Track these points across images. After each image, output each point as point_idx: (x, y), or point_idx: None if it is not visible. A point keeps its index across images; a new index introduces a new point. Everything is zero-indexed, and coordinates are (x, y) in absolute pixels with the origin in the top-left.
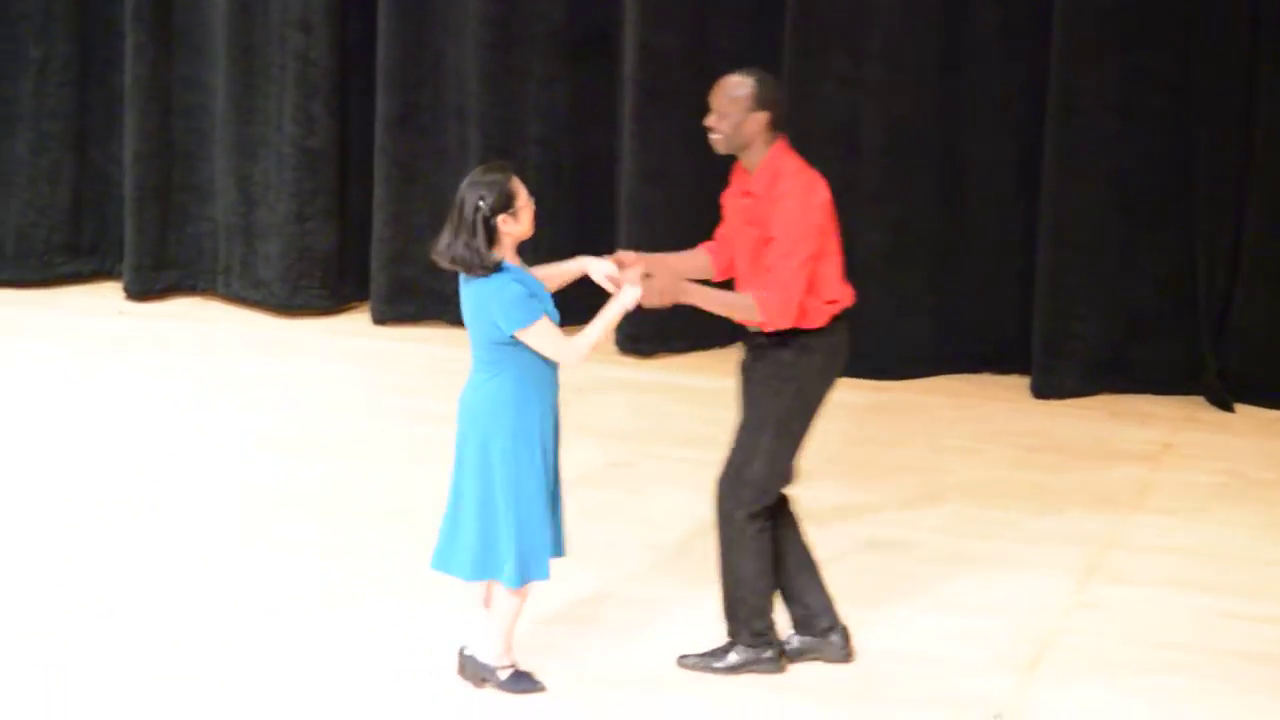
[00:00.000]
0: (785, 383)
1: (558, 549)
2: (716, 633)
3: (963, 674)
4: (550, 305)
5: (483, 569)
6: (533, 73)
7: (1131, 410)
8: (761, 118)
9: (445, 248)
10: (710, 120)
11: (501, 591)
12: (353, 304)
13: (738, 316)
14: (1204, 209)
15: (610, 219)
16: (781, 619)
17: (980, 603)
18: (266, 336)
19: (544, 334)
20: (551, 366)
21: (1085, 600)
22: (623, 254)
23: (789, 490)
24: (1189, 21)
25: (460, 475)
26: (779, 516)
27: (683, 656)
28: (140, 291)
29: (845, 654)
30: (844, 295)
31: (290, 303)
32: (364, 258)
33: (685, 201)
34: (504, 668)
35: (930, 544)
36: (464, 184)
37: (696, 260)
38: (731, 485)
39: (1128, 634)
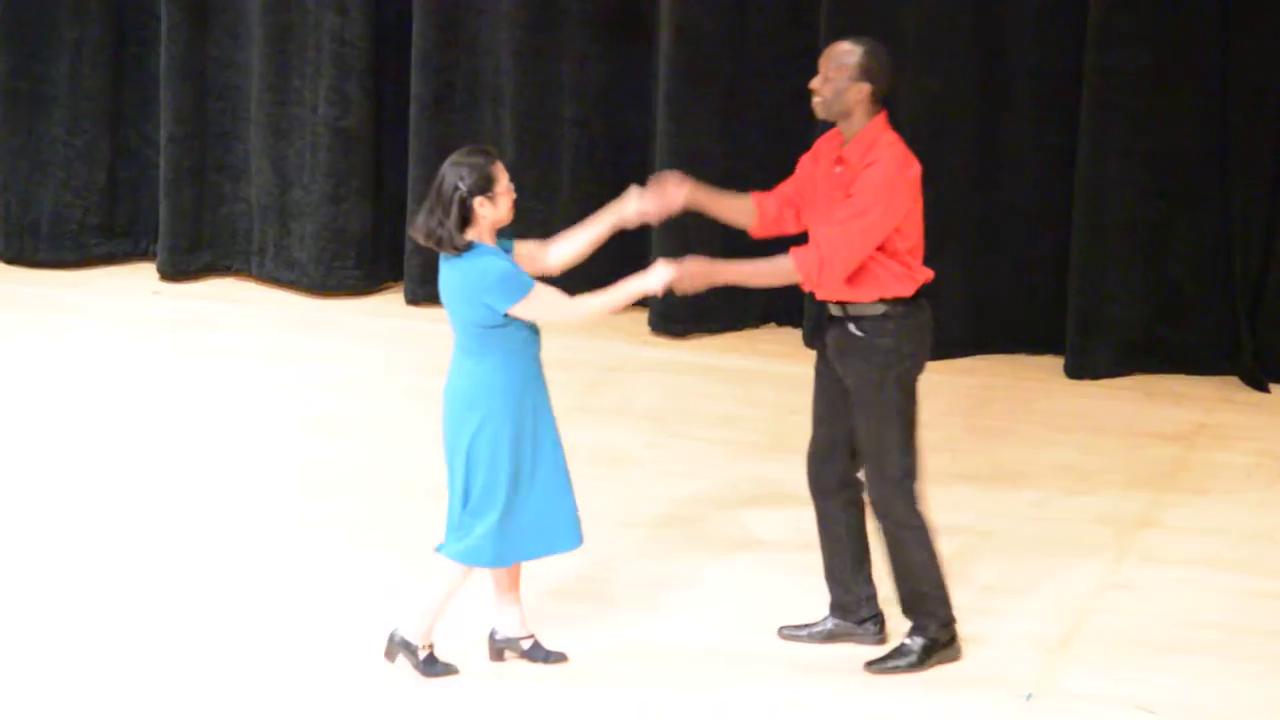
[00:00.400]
0: (885, 372)
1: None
2: (757, 605)
3: (994, 653)
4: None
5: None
6: (567, 53)
7: (1165, 390)
8: (865, 88)
9: (421, 224)
10: (814, 83)
11: (448, 566)
12: (387, 285)
13: (778, 281)
14: (1239, 189)
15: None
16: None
17: (1012, 582)
18: (300, 317)
19: (545, 297)
20: (534, 342)
21: (1117, 580)
22: (667, 175)
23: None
24: (1224, 1)
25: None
26: (856, 501)
27: (868, 663)
28: (175, 272)
29: (878, 641)
30: (926, 275)
31: (324, 283)
32: (398, 239)
33: (720, 183)
34: (424, 648)
35: (962, 524)
36: (447, 163)
37: (738, 204)
38: (881, 490)
39: (1160, 614)
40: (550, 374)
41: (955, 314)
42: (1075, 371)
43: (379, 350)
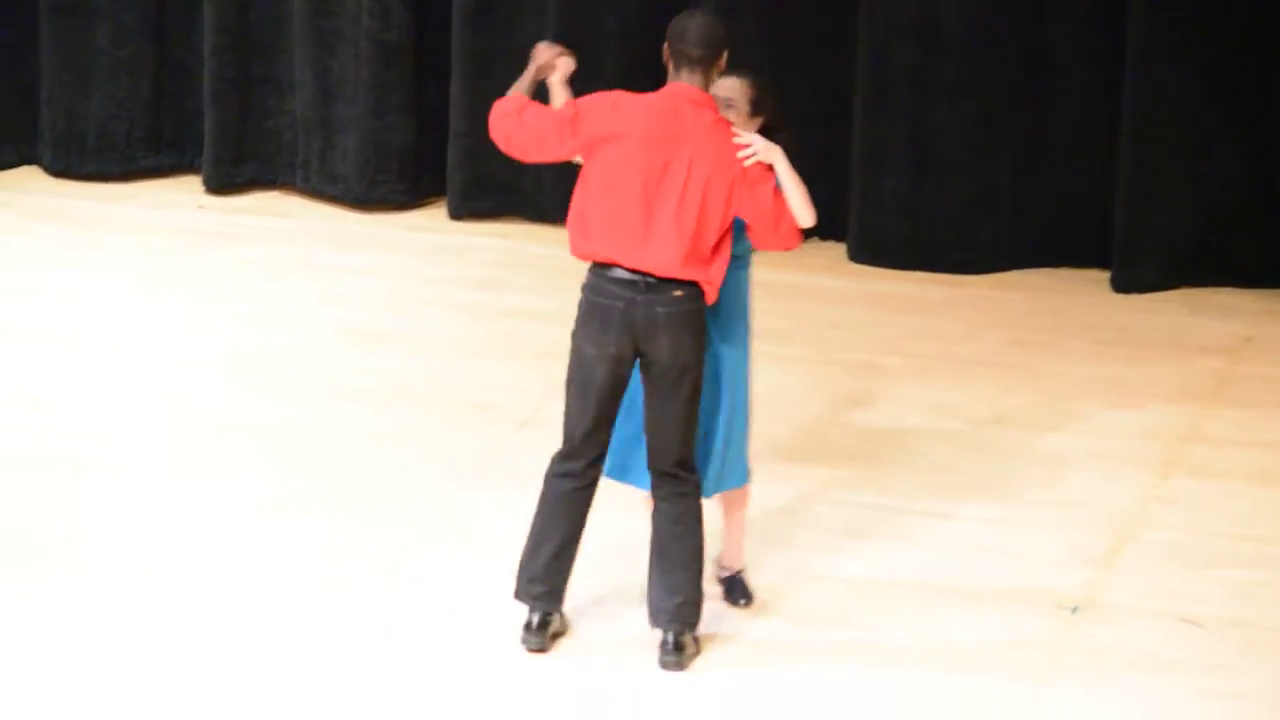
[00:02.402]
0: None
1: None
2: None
3: (1039, 568)
4: None
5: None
6: None
7: (1212, 303)
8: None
9: None
10: None
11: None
12: (430, 199)
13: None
14: None
15: None
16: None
17: (1057, 497)
18: (343, 230)
19: None
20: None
21: (1163, 494)
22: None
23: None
24: None
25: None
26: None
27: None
28: (220, 185)
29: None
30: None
31: (367, 197)
32: (441, 153)
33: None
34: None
35: (1007, 438)
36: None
37: None
38: None
39: (1206, 528)
40: None
41: (999, 227)
42: (1121, 285)
43: (423, 264)
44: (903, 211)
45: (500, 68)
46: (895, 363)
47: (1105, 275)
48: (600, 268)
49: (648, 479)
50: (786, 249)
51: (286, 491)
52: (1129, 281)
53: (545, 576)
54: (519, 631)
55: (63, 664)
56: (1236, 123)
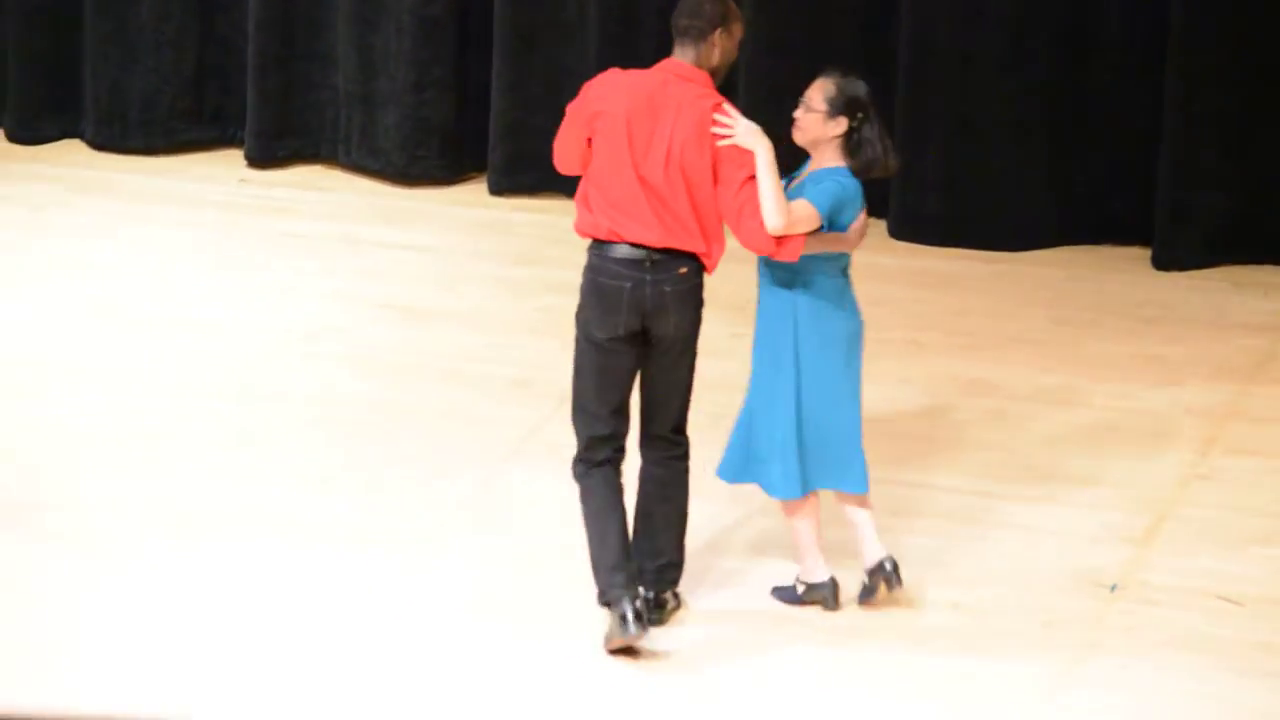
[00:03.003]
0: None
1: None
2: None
3: (1079, 546)
4: None
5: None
6: None
7: (1254, 281)
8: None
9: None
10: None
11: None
12: (470, 174)
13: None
14: None
15: (731, 89)
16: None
17: (1096, 474)
18: (384, 205)
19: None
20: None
21: (1203, 472)
22: None
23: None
24: None
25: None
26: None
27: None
28: (262, 159)
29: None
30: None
31: (408, 172)
32: (482, 128)
33: (807, 73)
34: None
35: (1046, 416)
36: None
37: None
38: None
39: (1245, 506)
40: None
41: (1041, 203)
42: (1163, 262)
43: (463, 239)
44: (944, 188)
45: (542, 42)
46: (935, 339)
47: (1146, 253)
48: (601, 246)
49: (845, 478)
50: (755, 250)
51: (327, 464)
52: (1170, 259)
53: (624, 563)
54: (610, 631)
55: (112, 631)
56: (1278, 100)
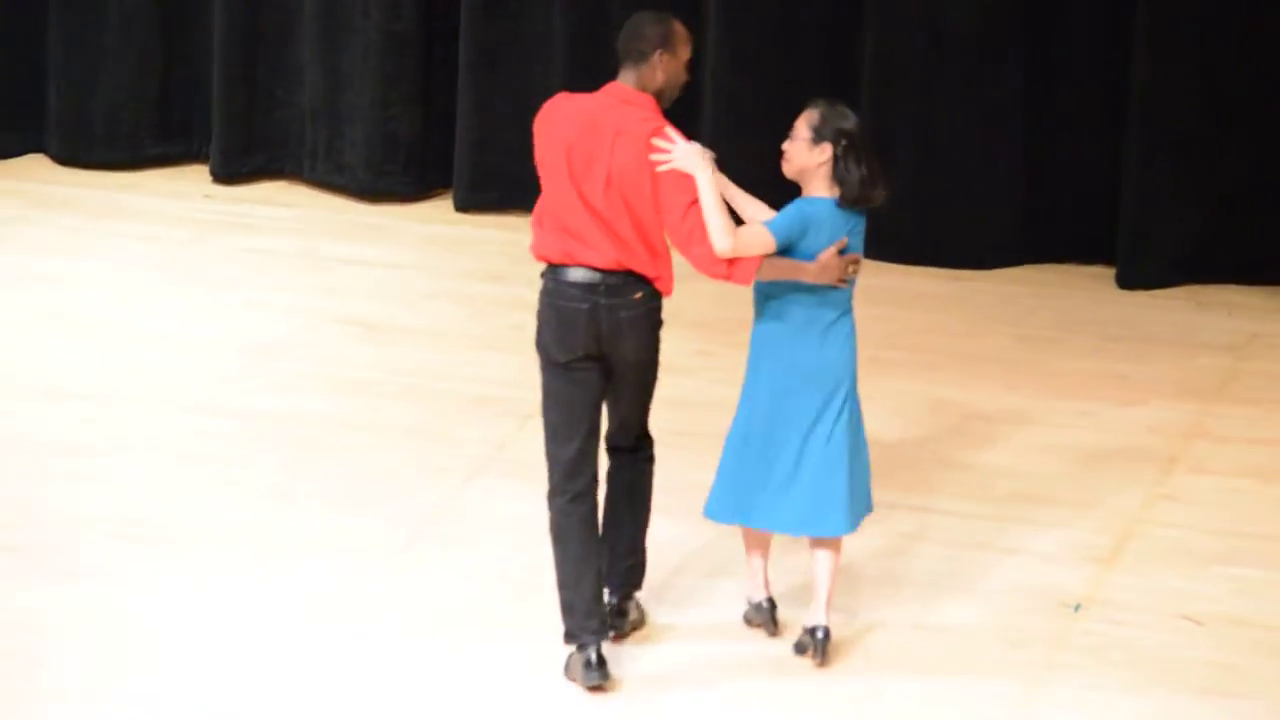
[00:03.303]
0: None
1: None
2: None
3: (1042, 565)
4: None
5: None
6: None
7: (1218, 300)
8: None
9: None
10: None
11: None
12: (436, 191)
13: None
14: None
15: (696, 109)
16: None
17: (1060, 493)
18: (350, 221)
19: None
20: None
21: (1166, 491)
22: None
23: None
24: None
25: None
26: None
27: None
28: (227, 175)
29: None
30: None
31: (373, 188)
32: (448, 145)
33: (774, 91)
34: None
35: (1010, 434)
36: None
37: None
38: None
39: (1209, 525)
40: None
41: (1005, 222)
42: (1126, 281)
43: (428, 255)
44: (909, 207)
45: (508, 60)
46: (900, 358)
47: (1111, 271)
48: (556, 270)
49: (774, 518)
50: (707, 275)
51: (290, 481)
52: (1134, 277)
53: (598, 609)
54: (573, 671)
55: (74, 649)
56: (1242, 119)
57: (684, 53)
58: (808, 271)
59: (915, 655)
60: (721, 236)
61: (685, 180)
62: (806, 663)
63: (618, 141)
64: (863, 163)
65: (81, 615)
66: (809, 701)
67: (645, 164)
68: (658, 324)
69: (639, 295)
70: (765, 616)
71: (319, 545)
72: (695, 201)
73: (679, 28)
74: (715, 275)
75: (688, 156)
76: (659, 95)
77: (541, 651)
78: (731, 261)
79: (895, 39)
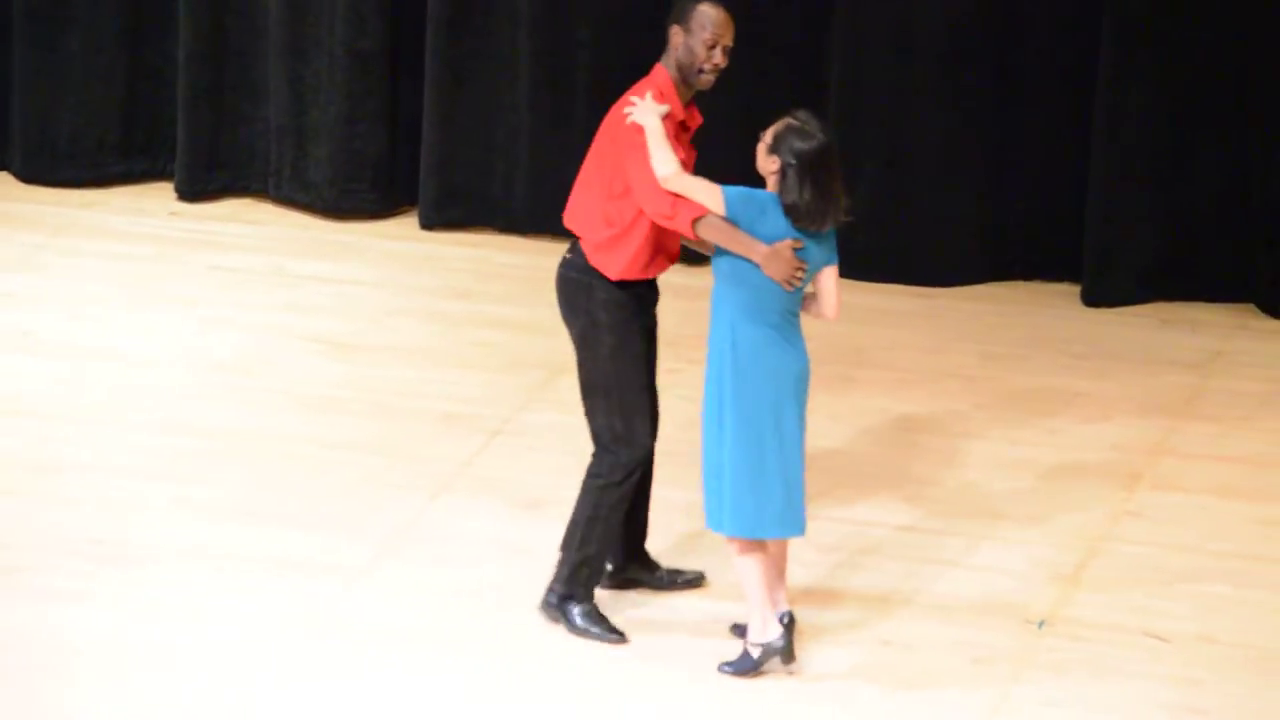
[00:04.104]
0: None
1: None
2: None
3: (1007, 581)
4: None
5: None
6: None
7: (1182, 318)
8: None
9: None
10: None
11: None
12: (402, 208)
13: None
14: (1259, 114)
15: None
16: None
17: (1025, 510)
18: (315, 239)
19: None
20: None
21: (1131, 508)
22: None
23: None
24: None
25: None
26: None
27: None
28: (192, 192)
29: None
30: None
31: (339, 205)
32: (414, 162)
33: (737, 107)
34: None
35: (975, 450)
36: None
37: None
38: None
39: (1173, 542)
40: None
41: (970, 239)
42: (1092, 299)
43: (394, 273)
44: (875, 223)
45: (474, 76)
46: (866, 374)
47: (1076, 289)
48: None
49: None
50: (651, 215)
51: (255, 499)
52: (1100, 295)
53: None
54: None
55: (29, 668)
56: (1206, 138)
57: (703, 32)
58: (758, 251)
59: (880, 671)
60: (664, 164)
61: (638, 131)
62: (772, 680)
63: (612, 110)
64: (807, 187)
65: (39, 634)
66: (775, 715)
67: (611, 125)
68: (585, 302)
69: (569, 253)
70: (787, 646)
71: (283, 564)
72: (644, 149)
73: (705, 7)
74: (659, 215)
75: (642, 111)
76: (681, 70)
77: (510, 669)
78: (675, 203)
79: (862, 53)
